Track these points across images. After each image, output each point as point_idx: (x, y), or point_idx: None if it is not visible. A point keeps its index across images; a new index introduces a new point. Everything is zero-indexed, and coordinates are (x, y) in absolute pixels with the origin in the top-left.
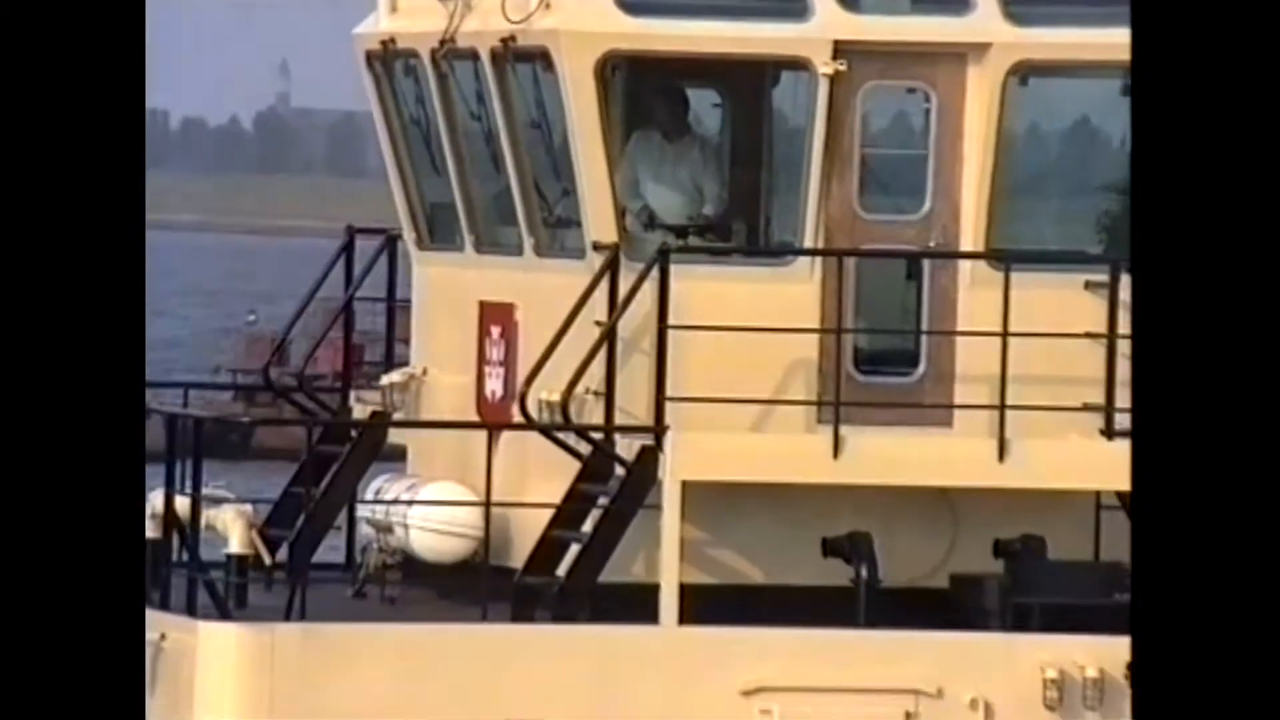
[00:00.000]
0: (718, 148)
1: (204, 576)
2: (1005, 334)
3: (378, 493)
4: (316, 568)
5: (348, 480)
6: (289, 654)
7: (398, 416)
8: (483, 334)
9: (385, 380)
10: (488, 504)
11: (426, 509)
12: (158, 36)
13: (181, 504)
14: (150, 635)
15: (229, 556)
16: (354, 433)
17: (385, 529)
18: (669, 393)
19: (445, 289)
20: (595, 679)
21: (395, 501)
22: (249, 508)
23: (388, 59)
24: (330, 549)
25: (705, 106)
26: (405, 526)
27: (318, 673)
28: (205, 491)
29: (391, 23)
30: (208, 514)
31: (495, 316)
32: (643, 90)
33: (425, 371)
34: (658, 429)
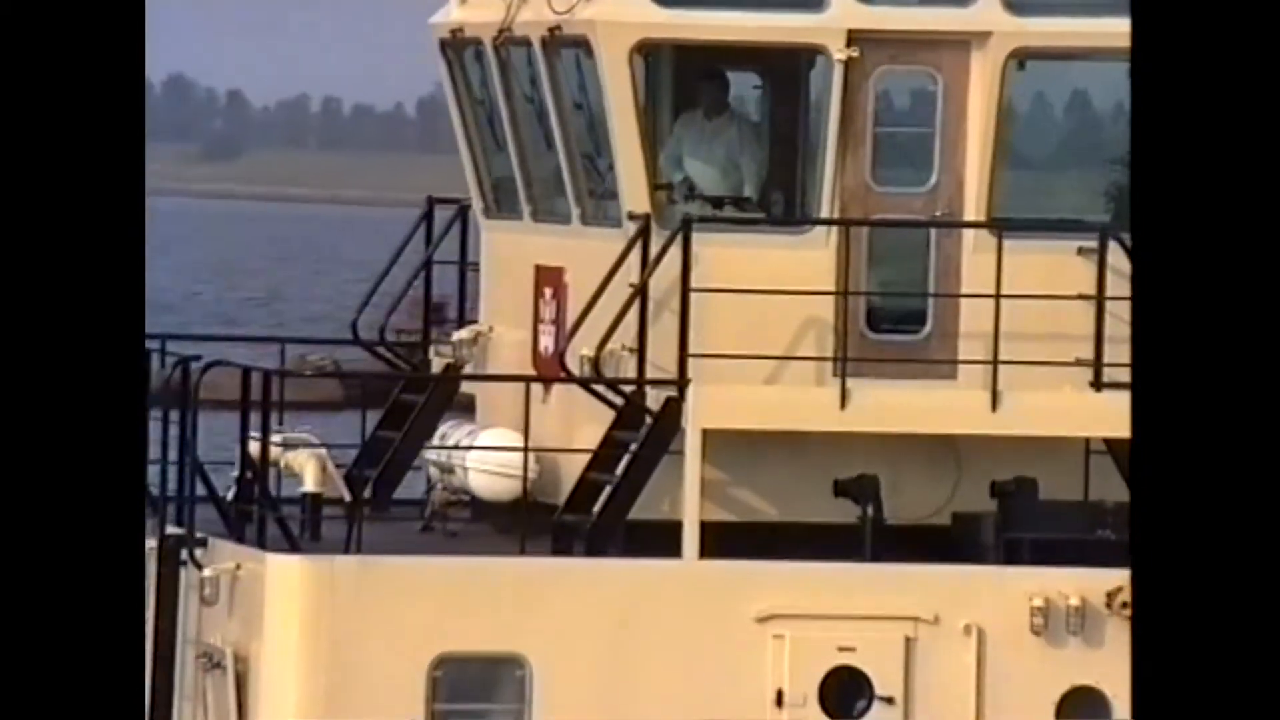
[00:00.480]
0: (755, 126)
1: (275, 514)
2: (998, 295)
3: (442, 438)
4: (397, 504)
5: (423, 426)
6: (346, 583)
7: (467, 369)
8: (537, 294)
9: (456, 336)
10: (525, 449)
11: (483, 452)
12: (333, 33)
13: (273, 449)
14: (228, 565)
15: (304, 494)
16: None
17: (447, 470)
18: (693, 349)
19: (507, 254)
20: (623, 607)
21: (455, 447)
22: (323, 450)
23: (457, 46)
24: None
25: (747, 88)
26: (464, 469)
27: (373, 600)
28: (288, 435)
29: (461, 13)
30: (286, 456)
31: (548, 279)
32: (685, 73)
33: (491, 329)
34: (681, 382)
